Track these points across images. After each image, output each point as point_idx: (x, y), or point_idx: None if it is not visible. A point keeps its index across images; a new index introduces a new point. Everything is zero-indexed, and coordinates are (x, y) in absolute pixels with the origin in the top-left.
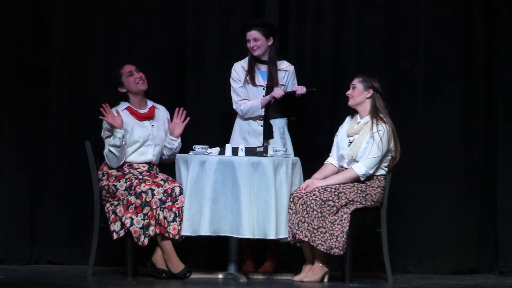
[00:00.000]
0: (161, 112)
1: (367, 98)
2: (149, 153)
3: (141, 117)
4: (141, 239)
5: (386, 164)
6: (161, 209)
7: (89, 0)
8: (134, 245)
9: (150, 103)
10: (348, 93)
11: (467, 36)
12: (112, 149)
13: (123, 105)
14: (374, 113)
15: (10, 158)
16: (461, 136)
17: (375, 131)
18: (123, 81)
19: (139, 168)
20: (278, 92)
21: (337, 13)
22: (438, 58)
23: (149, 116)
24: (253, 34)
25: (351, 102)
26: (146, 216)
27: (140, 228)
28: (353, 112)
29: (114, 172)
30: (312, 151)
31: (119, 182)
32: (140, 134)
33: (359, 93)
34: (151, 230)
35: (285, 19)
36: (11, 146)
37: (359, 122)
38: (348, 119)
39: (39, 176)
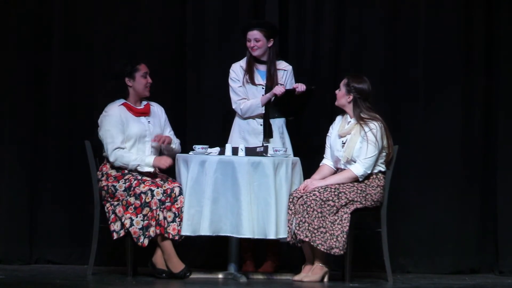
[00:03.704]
0: (156, 108)
1: (348, 102)
2: (147, 150)
3: (138, 113)
4: (141, 240)
5: (382, 160)
6: (161, 209)
7: (89, 0)
8: (134, 245)
9: (144, 101)
10: (336, 92)
11: (466, 36)
12: (128, 166)
13: (119, 101)
14: (358, 117)
15: (10, 158)
16: (461, 136)
17: (368, 130)
18: (136, 76)
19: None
20: (279, 89)
21: (337, 13)
22: (437, 58)
23: (145, 112)
24: (254, 34)
25: (336, 103)
26: (145, 217)
27: (140, 229)
28: (343, 112)
29: (113, 173)
30: (311, 151)
31: (118, 182)
32: (136, 129)
33: (341, 96)
34: (152, 231)
35: (285, 19)
36: (11, 146)
37: (350, 122)
38: (338, 118)
39: (39, 176)
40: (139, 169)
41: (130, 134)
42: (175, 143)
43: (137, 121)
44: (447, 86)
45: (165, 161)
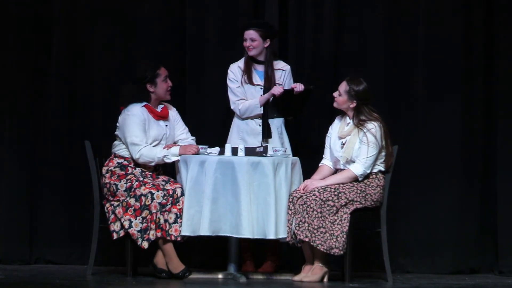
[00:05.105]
0: (172, 112)
1: (352, 108)
2: None
3: (158, 116)
4: (139, 242)
5: (381, 160)
6: (161, 212)
7: (89, 1)
8: (134, 245)
9: (161, 104)
10: (335, 95)
11: (466, 37)
12: (153, 160)
13: (141, 102)
14: (359, 119)
15: (10, 158)
16: (461, 136)
17: (366, 130)
18: (157, 81)
19: (144, 167)
20: (277, 90)
21: (337, 13)
22: (437, 58)
23: (164, 116)
24: (250, 33)
25: (335, 105)
26: (144, 220)
27: (138, 231)
28: (342, 112)
29: (117, 171)
30: (310, 151)
31: (120, 182)
32: (155, 132)
33: (343, 102)
34: (151, 235)
35: (285, 19)
36: (11, 146)
37: (349, 123)
38: (337, 119)
39: (39, 176)
40: (166, 160)
41: (149, 136)
42: (192, 138)
43: (157, 124)
44: (447, 86)
45: (191, 149)
